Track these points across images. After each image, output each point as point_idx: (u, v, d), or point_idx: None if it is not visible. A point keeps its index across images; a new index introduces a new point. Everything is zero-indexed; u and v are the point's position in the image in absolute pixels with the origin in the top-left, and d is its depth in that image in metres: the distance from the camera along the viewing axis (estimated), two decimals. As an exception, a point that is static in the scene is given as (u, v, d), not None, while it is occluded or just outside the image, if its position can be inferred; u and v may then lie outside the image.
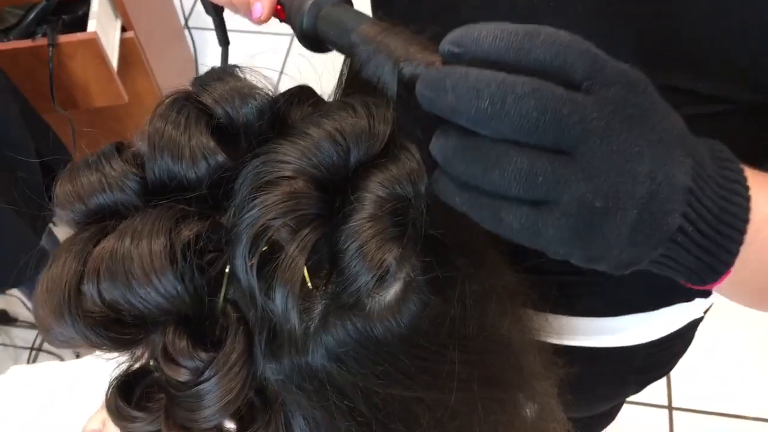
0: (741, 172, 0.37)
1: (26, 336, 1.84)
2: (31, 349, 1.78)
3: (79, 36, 1.38)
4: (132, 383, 0.40)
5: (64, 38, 1.38)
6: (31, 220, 1.24)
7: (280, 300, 0.35)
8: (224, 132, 0.38)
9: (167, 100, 0.38)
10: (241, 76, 0.40)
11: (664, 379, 1.70)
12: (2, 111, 1.21)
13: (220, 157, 0.37)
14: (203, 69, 2.08)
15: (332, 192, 0.37)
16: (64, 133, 1.57)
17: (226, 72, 0.39)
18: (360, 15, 0.45)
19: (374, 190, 0.37)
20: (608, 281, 0.69)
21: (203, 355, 0.35)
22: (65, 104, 1.48)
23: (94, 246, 0.36)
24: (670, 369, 0.93)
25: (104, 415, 0.64)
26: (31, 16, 1.41)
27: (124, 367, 0.40)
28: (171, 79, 1.79)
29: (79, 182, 0.38)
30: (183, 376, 0.36)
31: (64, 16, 1.44)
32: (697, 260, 0.36)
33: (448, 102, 0.32)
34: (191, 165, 0.36)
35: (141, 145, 0.38)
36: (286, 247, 0.35)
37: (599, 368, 0.87)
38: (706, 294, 0.73)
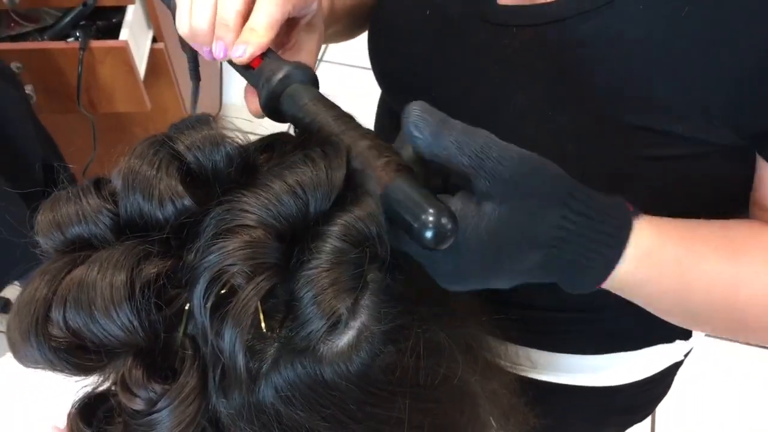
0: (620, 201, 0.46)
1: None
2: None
3: (109, 43, 1.43)
4: (93, 406, 0.41)
5: (95, 43, 1.43)
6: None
7: (228, 342, 0.37)
8: (196, 177, 0.41)
9: (144, 142, 0.41)
10: (214, 125, 0.42)
11: (648, 420, 1.69)
12: (19, 119, 1.25)
13: (187, 201, 0.39)
14: (227, 83, 2.13)
15: (291, 241, 0.39)
16: (84, 134, 1.61)
17: (200, 121, 0.42)
18: (320, 102, 0.47)
19: (331, 240, 0.38)
20: (591, 318, 0.71)
21: (157, 387, 0.37)
22: (88, 106, 1.53)
23: (66, 274, 0.38)
24: (649, 413, 0.93)
25: None
26: (67, 19, 1.46)
27: (88, 389, 0.41)
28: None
29: (59, 212, 0.40)
30: (138, 405, 0.38)
31: (98, 22, 1.49)
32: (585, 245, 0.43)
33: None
34: (159, 206, 0.39)
35: (116, 182, 0.40)
36: (239, 292, 0.37)
37: (579, 406, 0.88)
38: (686, 335, 0.75)
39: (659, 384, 0.85)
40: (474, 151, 0.41)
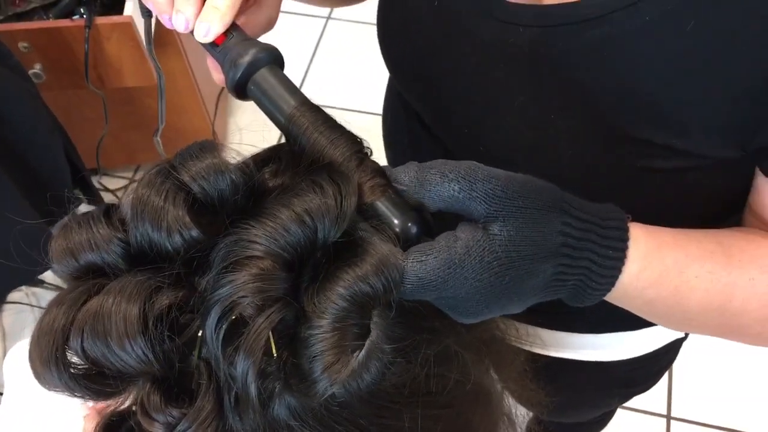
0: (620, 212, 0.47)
1: (51, 297, 1.90)
2: (56, 311, 1.85)
3: (115, 19, 1.43)
4: (116, 426, 0.42)
5: (100, 20, 1.43)
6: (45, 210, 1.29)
7: (241, 372, 0.37)
8: (203, 206, 0.41)
9: (152, 172, 0.41)
10: (218, 152, 0.42)
11: (664, 388, 1.72)
12: (32, 111, 1.26)
13: (194, 233, 0.39)
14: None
15: (299, 269, 0.40)
16: (96, 108, 1.63)
17: (204, 148, 0.42)
18: (289, 90, 0.47)
19: (336, 299, 0.39)
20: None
21: (175, 411, 0.38)
22: (98, 83, 1.54)
23: (82, 305, 0.39)
24: (653, 384, 0.96)
25: None
26: (72, -6, 1.46)
27: (109, 409, 0.42)
28: (202, 59, 1.84)
29: (71, 240, 0.41)
30: (157, 429, 0.39)
31: (103, -4, 1.49)
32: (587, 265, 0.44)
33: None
34: (168, 237, 0.39)
35: (126, 211, 0.41)
36: (250, 323, 0.37)
37: (583, 379, 0.91)
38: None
39: (660, 360, 0.88)
40: (460, 175, 0.41)
